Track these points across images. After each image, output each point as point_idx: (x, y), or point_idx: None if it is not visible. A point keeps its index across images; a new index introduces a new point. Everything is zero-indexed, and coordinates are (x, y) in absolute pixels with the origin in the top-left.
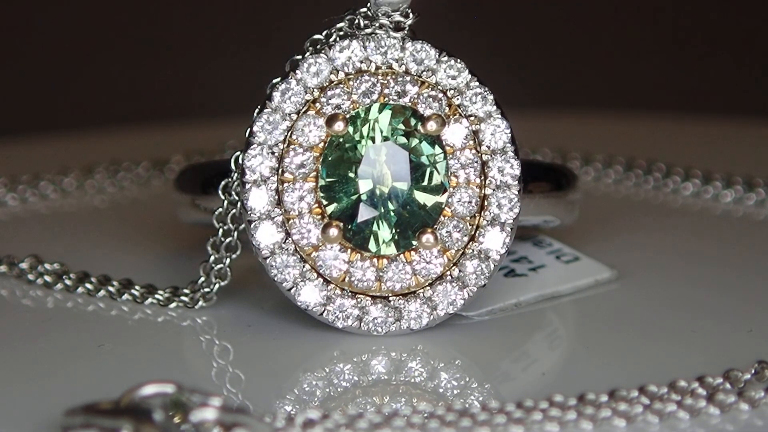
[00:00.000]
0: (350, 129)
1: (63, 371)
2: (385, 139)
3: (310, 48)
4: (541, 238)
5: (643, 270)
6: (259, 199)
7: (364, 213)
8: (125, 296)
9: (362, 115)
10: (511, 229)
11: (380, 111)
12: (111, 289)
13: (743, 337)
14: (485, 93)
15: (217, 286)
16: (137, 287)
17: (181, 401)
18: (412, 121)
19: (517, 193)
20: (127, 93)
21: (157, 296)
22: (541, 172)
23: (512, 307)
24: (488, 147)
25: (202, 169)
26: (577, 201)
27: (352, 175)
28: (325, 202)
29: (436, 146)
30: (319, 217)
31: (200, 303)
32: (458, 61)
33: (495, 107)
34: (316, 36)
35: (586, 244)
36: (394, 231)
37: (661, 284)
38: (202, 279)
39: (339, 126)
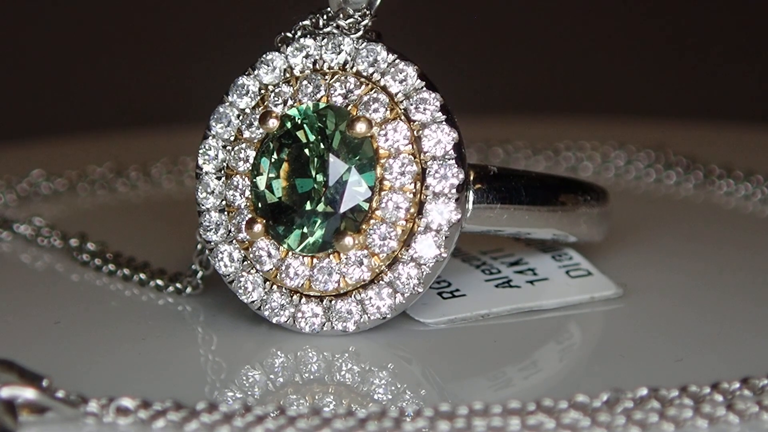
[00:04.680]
0: (289, 127)
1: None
2: (315, 139)
3: (279, 45)
4: (565, 251)
5: (686, 284)
6: (208, 192)
7: (289, 211)
8: (134, 278)
9: (298, 114)
10: (446, 237)
11: (314, 110)
12: (126, 270)
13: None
14: (432, 99)
15: (200, 274)
16: (147, 270)
17: None
18: (343, 123)
19: (455, 201)
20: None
21: (158, 281)
22: (541, 184)
23: (478, 317)
24: (428, 154)
25: None
26: (584, 215)
27: (281, 173)
28: (260, 198)
29: (367, 150)
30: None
31: (188, 290)
32: (410, 65)
33: (441, 114)
34: (287, 33)
35: (623, 256)
36: (319, 231)
37: (698, 299)
38: (194, 267)
39: (272, 123)
